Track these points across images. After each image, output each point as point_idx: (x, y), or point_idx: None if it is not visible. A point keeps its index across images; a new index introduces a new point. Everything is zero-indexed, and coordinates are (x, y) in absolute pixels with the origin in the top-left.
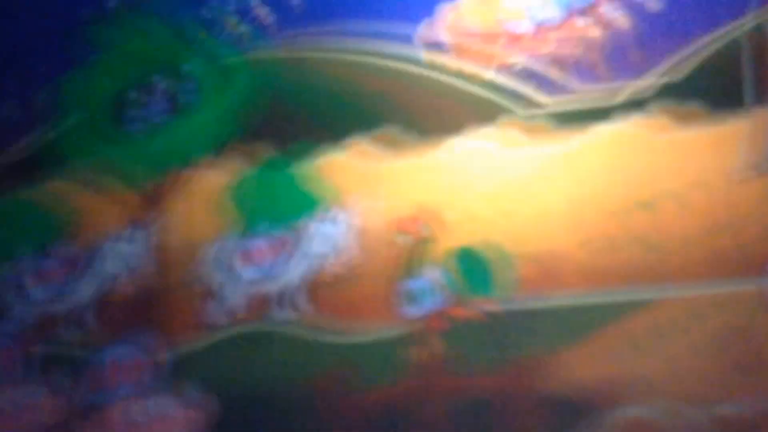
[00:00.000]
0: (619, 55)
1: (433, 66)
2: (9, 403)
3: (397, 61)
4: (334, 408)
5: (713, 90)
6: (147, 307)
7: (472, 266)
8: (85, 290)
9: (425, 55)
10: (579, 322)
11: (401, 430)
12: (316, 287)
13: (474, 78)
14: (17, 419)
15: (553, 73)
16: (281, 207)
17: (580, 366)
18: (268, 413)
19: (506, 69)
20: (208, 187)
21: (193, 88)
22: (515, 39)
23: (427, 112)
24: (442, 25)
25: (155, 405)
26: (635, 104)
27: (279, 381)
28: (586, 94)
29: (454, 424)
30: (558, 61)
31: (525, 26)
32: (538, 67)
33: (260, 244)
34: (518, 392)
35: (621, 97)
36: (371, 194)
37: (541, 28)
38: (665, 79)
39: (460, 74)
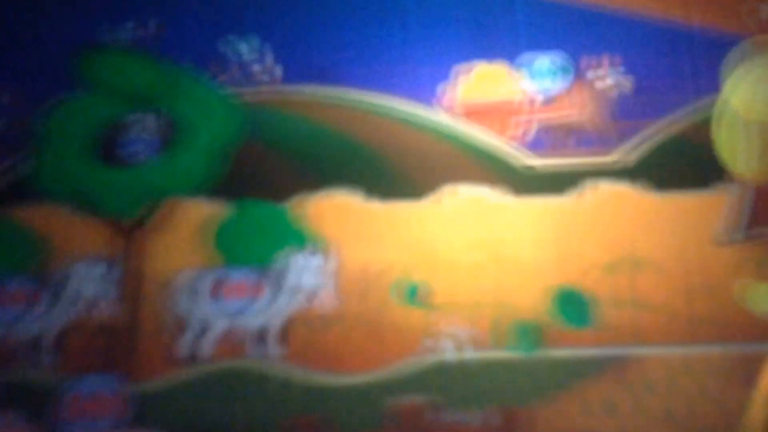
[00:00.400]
0: (612, 121)
1: (425, 122)
2: None
3: (394, 115)
4: None
5: (695, 161)
6: (116, 339)
7: None
8: (53, 316)
9: (421, 111)
10: (557, 377)
11: None
12: (294, 327)
13: (466, 136)
14: None
15: (546, 136)
16: (261, 247)
17: (556, 419)
18: None
19: (501, 131)
20: (189, 223)
21: (183, 127)
22: (515, 106)
23: (416, 165)
24: (446, 98)
25: None
26: (622, 170)
27: (255, 421)
28: (575, 157)
29: None
30: (552, 126)
31: (524, 96)
32: (532, 129)
33: (237, 282)
34: None
35: (609, 162)
36: (353, 240)
37: (546, 97)
38: (650, 147)
39: (453, 132)
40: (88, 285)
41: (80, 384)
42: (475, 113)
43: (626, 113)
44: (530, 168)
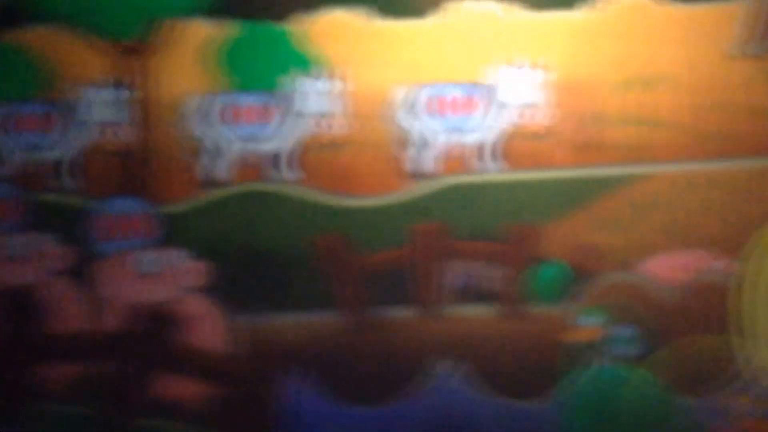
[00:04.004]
0: None
1: None
2: (14, 249)
3: None
4: (334, 268)
5: None
6: (133, 163)
7: None
8: (69, 140)
9: None
10: (567, 196)
11: (403, 291)
12: (307, 151)
13: None
14: (24, 265)
15: None
16: (267, 70)
17: (566, 236)
18: (265, 271)
19: None
20: (197, 43)
21: None
22: None
23: None
24: None
25: (158, 257)
26: None
27: (278, 240)
28: None
29: (454, 286)
30: None
31: None
32: None
33: (246, 106)
34: (515, 256)
35: None
36: (358, 62)
37: None
38: None
39: None
40: (99, 109)
41: (107, 205)
42: None
43: None
44: None
